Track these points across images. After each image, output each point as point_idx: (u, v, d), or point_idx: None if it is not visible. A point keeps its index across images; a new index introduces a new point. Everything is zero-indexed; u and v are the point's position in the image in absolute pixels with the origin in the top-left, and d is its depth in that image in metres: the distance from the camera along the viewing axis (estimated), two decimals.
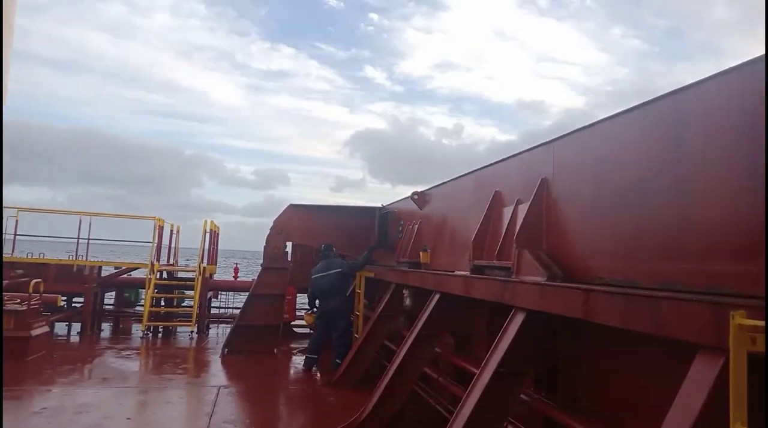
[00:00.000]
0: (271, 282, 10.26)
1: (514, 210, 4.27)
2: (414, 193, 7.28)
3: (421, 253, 6.56)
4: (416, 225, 7.26)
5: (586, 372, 3.66)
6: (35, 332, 8.85)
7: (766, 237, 2.24)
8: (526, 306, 3.60)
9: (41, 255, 12.32)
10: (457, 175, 6.03)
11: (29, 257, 12.05)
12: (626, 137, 3.21)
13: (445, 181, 6.43)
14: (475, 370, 4.62)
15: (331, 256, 9.22)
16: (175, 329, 12.33)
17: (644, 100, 3.08)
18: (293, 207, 10.56)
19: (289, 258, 10.79)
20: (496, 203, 4.71)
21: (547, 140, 3.98)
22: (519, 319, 3.70)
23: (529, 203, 3.93)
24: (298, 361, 9.50)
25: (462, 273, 4.91)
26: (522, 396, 4.00)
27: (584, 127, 3.58)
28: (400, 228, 8.19)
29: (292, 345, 10.82)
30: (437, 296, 5.30)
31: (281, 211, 10.50)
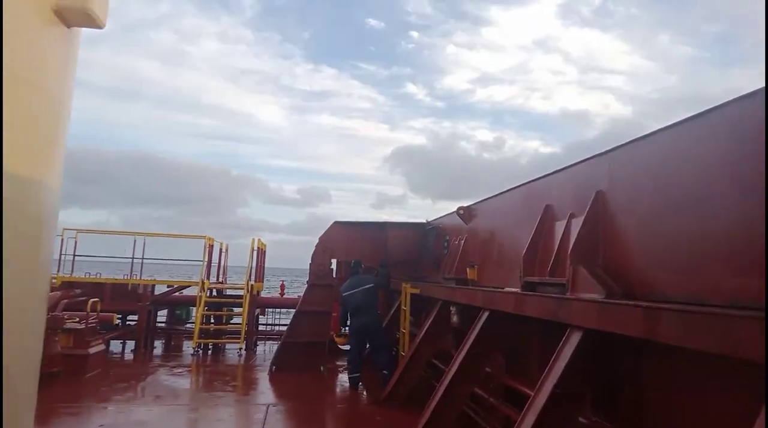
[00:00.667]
0: (317, 299, 10.32)
1: (567, 224, 4.13)
2: (460, 208, 7.18)
3: (468, 269, 6.43)
4: (462, 241, 7.14)
5: (649, 393, 3.46)
6: (93, 350, 9.16)
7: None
8: (583, 325, 3.44)
9: (98, 275, 12.81)
10: (503, 190, 5.91)
11: (87, 277, 12.56)
12: (687, 146, 3.06)
13: (492, 195, 6.32)
14: (528, 391, 4.46)
15: (360, 272, 9.28)
16: (224, 346, 12.53)
17: (697, 107, 2.95)
18: (338, 224, 10.62)
19: (334, 276, 10.82)
20: (548, 217, 4.57)
21: (601, 151, 3.84)
22: (575, 338, 3.54)
23: (583, 217, 3.78)
24: (344, 379, 9.46)
25: (512, 290, 4.77)
26: (580, 418, 3.81)
27: (642, 137, 3.43)
28: (446, 244, 8.08)
29: (338, 363, 10.80)
30: (486, 314, 5.17)
31: (326, 229, 10.57)
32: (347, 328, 9.15)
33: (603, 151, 3.81)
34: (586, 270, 3.61)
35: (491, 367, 5.55)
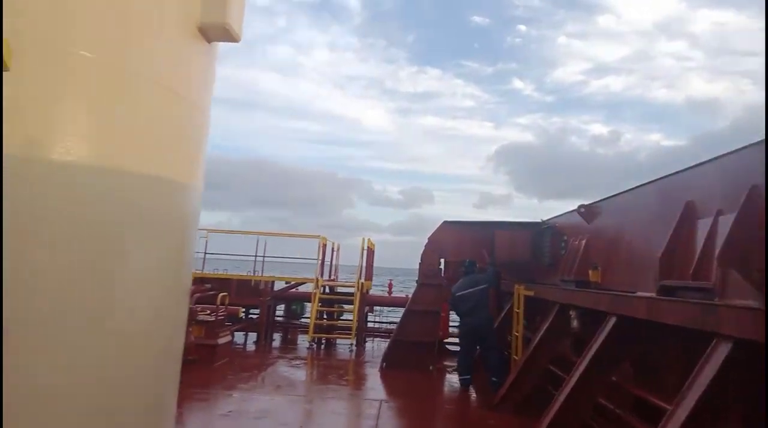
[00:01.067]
0: (427, 298, 10.32)
1: (713, 222, 3.73)
2: (581, 206, 6.81)
3: (590, 271, 6.07)
4: (583, 241, 6.76)
5: None
6: (221, 341, 9.88)
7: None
8: (735, 335, 3.09)
9: (225, 271, 13.84)
10: (632, 186, 5.49)
11: (215, 273, 13.62)
12: None
13: (619, 192, 5.90)
14: (663, 404, 4.10)
15: (475, 272, 9.15)
16: (335, 341, 12.96)
17: None
18: (447, 224, 10.53)
19: (442, 275, 10.75)
20: (689, 215, 4.15)
21: (757, 141, 3.41)
22: (724, 349, 3.20)
23: (734, 214, 3.39)
24: (452, 379, 9.39)
25: (645, 294, 4.41)
26: None
27: None
28: (564, 245, 7.70)
29: (446, 363, 10.73)
30: (613, 319, 4.84)
31: (435, 228, 10.53)
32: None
33: (759, 140, 3.38)
34: (738, 273, 3.24)
35: (618, 376, 5.19)
